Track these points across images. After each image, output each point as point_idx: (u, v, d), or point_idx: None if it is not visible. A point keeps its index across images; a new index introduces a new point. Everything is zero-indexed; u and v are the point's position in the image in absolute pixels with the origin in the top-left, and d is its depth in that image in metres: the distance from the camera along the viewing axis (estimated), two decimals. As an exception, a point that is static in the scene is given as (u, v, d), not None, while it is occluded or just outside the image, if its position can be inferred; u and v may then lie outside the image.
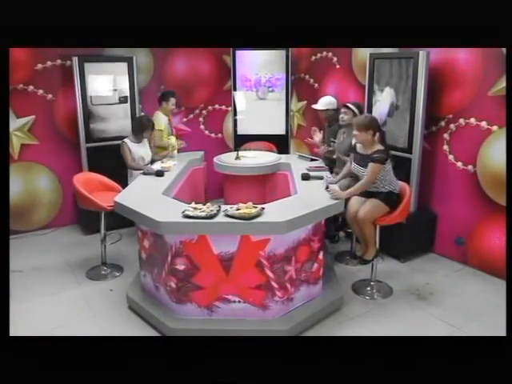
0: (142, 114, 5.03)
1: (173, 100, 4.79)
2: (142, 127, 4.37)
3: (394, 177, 3.52)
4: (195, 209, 2.93)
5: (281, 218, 2.83)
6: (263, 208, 2.93)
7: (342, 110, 4.18)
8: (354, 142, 4.04)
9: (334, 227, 4.53)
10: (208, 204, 3.02)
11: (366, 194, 3.55)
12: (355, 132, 3.45)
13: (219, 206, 2.99)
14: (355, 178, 3.71)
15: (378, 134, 3.42)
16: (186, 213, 2.88)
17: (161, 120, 4.73)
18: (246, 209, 2.87)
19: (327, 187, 3.39)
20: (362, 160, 3.49)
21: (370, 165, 3.39)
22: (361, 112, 4.15)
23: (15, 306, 3.50)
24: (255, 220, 2.81)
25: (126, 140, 4.36)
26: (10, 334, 2.85)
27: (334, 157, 4.26)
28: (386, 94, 4.37)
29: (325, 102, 4.51)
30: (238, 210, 2.88)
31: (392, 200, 3.49)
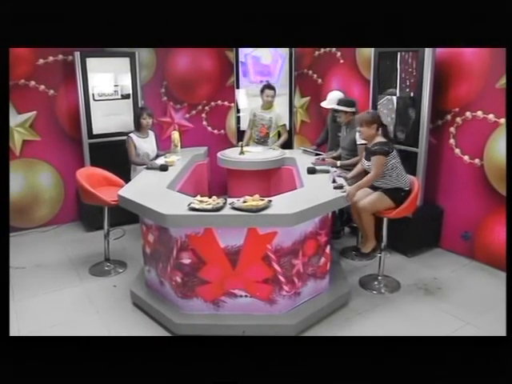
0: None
1: (267, 92, 4.79)
2: (135, 116, 4.42)
3: (402, 173, 3.49)
4: (201, 202, 2.89)
5: (288, 211, 2.79)
6: (270, 200, 2.89)
7: (335, 114, 4.20)
8: (357, 137, 4.04)
9: (339, 222, 4.50)
10: (214, 197, 2.98)
11: (373, 188, 3.52)
12: (359, 128, 3.48)
13: (225, 199, 2.94)
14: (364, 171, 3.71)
15: (380, 129, 3.47)
16: (192, 205, 2.84)
17: (252, 108, 5.00)
18: (253, 201, 2.83)
19: (334, 180, 3.35)
20: (367, 154, 3.50)
21: (372, 158, 3.40)
22: (353, 106, 4.11)
23: (18, 302, 3.46)
24: (262, 212, 2.77)
25: (131, 134, 4.34)
26: (13, 331, 2.86)
27: (338, 164, 4.18)
28: (386, 102, 4.36)
29: (335, 99, 4.45)
30: (244, 202, 2.84)
31: (399, 196, 3.46)
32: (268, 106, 4.87)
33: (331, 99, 4.45)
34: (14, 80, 4.52)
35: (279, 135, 4.99)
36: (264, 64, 5.57)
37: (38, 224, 4.98)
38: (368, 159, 3.49)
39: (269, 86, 4.85)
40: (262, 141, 4.91)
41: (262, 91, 4.82)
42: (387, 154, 3.38)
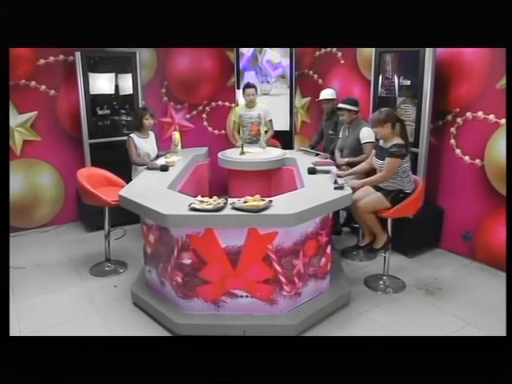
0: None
1: (247, 90, 4.79)
2: (136, 116, 4.43)
3: (409, 176, 3.48)
4: (202, 202, 2.89)
5: (289, 211, 2.79)
6: (271, 201, 2.88)
7: (338, 112, 4.19)
8: (361, 136, 4.03)
9: (340, 222, 4.50)
10: (215, 197, 2.98)
11: (375, 187, 3.52)
12: (374, 129, 3.47)
13: (226, 199, 2.94)
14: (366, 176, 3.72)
15: (397, 126, 3.41)
16: (193, 206, 2.83)
17: (235, 111, 5.03)
18: (254, 201, 2.83)
19: (335, 181, 3.34)
20: (381, 153, 3.48)
21: (387, 159, 3.37)
22: (356, 105, 4.12)
23: (18, 302, 3.46)
24: (263, 212, 2.76)
25: (132, 135, 4.33)
26: (13, 331, 2.86)
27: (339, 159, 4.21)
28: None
29: (331, 92, 4.54)
30: (245, 202, 2.84)
31: (397, 197, 3.46)
32: (252, 104, 4.87)
33: (324, 95, 4.57)
34: (14, 80, 4.53)
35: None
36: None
37: (38, 224, 4.98)
38: (381, 158, 3.46)
39: (248, 85, 4.86)
40: (255, 139, 4.89)
41: (244, 91, 4.83)
42: (403, 158, 3.36)
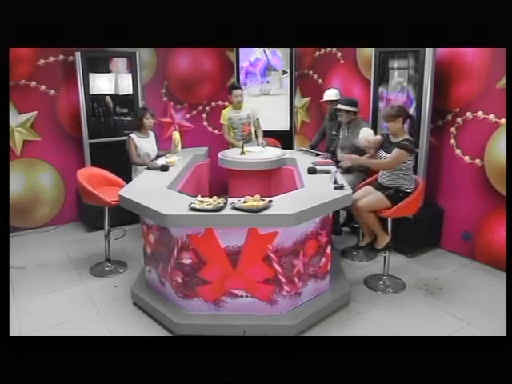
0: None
1: (235, 92, 4.82)
2: (136, 116, 4.43)
3: (410, 175, 3.51)
4: (201, 202, 2.89)
5: (289, 211, 2.79)
6: (271, 201, 2.88)
7: (337, 113, 4.20)
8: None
9: (340, 222, 4.50)
10: (214, 197, 2.98)
11: (377, 186, 3.53)
12: (386, 124, 3.53)
13: (226, 199, 2.94)
14: (366, 171, 3.73)
15: (408, 121, 3.51)
16: (193, 206, 2.83)
17: (223, 113, 4.97)
18: (254, 201, 2.83)
19: (335, 181, 3.34)
20: (389, 147, 3.50)
21: (395, 150, 3.39)
22: (355, 106, 4.11)
23: (18, 302, 3.46)
24: (263, 212, 2.76)
25: (131, 135, 4.33)
26: (13, 331, 2.86)
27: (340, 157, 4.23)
28: None
29: (335, 93, 4.56)
30: (245, 202, 2.84)
31: (397, 196, 3.47)
32: (239, 105, 4.91)
33: (328, 95, 4.59)
34: (14, 80, 4.53)
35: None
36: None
37: (38, 224, 4.98)
38: (388, 152, 3.48)
39: (235, 87, 4.92)
40: (248, 139, 4.92)
41: (231, 93, 4.86)
42: (411, 153, 3.41)
